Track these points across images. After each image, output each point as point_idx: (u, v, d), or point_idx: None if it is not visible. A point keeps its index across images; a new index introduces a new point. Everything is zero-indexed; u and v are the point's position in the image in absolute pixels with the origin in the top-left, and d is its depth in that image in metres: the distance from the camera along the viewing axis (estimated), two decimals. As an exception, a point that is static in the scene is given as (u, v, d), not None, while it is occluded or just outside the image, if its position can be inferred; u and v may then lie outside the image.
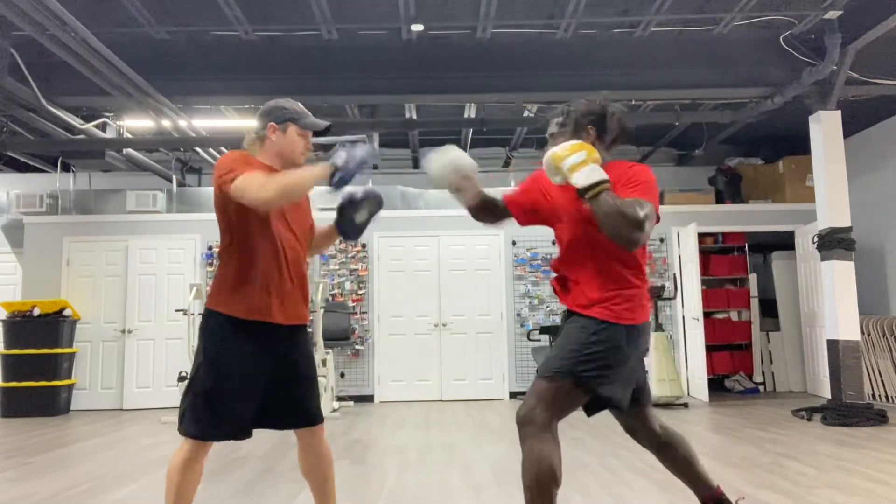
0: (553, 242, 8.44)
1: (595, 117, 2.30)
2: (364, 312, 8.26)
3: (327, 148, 8.98)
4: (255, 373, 2.29)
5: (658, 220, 2.18)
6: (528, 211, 2.53)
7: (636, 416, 2.40)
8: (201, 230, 8.24)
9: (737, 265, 8.54)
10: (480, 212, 2.58)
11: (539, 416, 2.12)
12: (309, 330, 2.56)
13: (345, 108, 7.44)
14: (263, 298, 2.32)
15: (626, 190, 2.16)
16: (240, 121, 7.49)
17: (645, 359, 2.32)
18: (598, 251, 2.24)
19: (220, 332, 2.28)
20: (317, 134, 2.52)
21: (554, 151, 2.15)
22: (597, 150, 2.21)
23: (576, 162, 2.10)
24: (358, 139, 7.83)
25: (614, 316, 2.16)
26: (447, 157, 2.46)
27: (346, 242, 2.32)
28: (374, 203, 2.56)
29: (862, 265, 8.17)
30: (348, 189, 2.41)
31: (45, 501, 3.58)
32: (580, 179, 2.09)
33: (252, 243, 2.33)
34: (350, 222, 2.55)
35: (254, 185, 2.15)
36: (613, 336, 2.15)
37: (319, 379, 6.76)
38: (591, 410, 2.26)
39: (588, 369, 2.13)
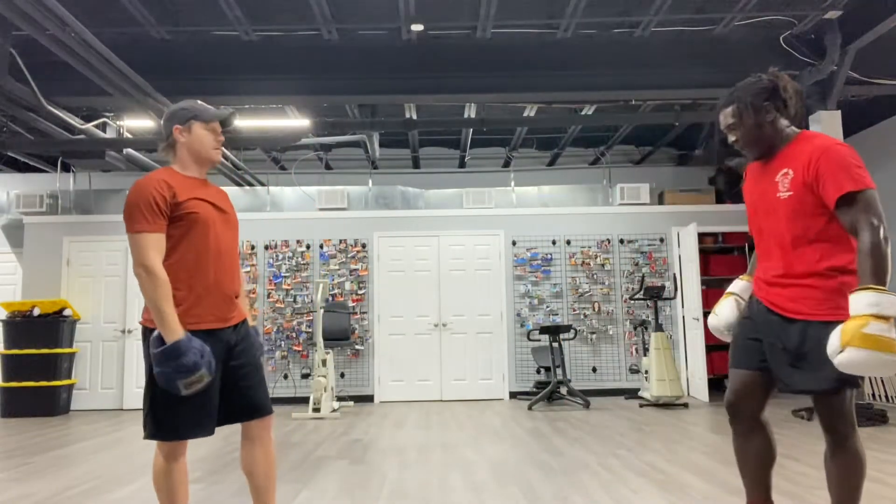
0: (553, 242, 8.44)
1: (768, 94, 2.24)
2: (364, 312, 8.26)
3: (327, 148, 8.98)
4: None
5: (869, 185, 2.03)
6: None
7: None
8: (201, 230, 8.23)
9: (737, 265, 8.54)
10: None
11: (845, 426, 2.16)
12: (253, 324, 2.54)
13: (345, 108, 7.44)
14: (200, 309, 2.30)
15: (820, 187, 2.06)
16: (240, 121, 7.48)
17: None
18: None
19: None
20: (223, 123, 2.44)
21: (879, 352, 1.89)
22: (780, 124, 2.22)
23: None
24: (358, 139, 7.83)
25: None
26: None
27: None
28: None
29: (862, 265, 8.15)
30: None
31: (45, 501, 3.58)
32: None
33: (174, 256, 2.29)
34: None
35: (149, 281, 2.17)
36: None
37: (319, 379, 6.76)
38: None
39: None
